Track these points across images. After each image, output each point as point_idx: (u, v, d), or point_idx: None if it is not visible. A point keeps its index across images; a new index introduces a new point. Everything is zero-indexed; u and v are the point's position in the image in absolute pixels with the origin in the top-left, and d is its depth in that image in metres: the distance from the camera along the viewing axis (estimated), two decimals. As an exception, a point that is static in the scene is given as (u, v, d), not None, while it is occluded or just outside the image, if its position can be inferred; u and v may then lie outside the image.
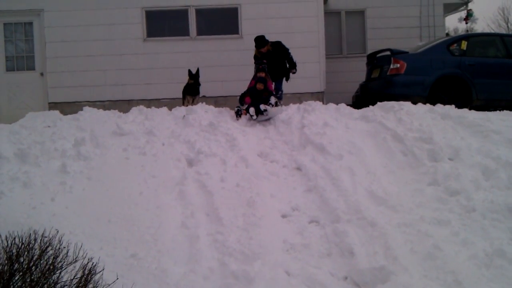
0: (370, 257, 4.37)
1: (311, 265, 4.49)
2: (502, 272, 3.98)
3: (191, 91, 9.68)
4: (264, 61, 8.79)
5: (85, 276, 3.02)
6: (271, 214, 5.36)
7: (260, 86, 8.37)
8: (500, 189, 5.21)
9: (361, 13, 13.36)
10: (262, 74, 8.55)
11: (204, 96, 10.00)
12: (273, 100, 8.21)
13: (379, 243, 4.54)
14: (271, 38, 9.28)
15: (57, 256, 3.04)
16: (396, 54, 9.67)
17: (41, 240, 3.18)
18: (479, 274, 4.01)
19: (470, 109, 8.26)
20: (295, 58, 9.30)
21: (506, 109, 8.29)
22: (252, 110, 7.95)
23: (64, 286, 3.08)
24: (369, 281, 4.07)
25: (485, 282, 3.89)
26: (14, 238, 3.18)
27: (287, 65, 9.34)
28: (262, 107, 7.91)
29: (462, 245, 4.40)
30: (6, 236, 3.22)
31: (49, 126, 7.68)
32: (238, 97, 8.59)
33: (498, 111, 8.10)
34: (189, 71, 9.61)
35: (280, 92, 9.40)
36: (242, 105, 8.31)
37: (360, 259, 4.38)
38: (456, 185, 5.40)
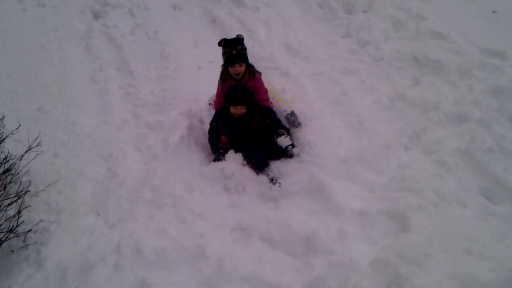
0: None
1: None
2: (402, 114, 4.27)
3: None
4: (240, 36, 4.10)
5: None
6: (186, 66, 5.24)
7: (239, 110, 3.79)
8: (408, 39, 5.37)
9: None
10: (240, 68, 3.98)
11: None
12: (284, 141, 3.81)
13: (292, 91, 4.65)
14: None
15: None
16: None
17: None
18: (381, 116, 4.28)
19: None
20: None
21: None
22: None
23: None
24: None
25: (385, 123, 4.18)
26: None
27: None
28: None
29: (368, 91, 4.62)
30: None
31: None
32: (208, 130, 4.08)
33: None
34: None
35: None
36: (216, 148, 3.97)
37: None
38: (367, 36, 5.50)
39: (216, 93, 4.22)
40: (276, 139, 3.81)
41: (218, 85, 4.16)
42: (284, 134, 3.83)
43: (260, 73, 4.14)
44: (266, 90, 4.16)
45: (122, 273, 2.76)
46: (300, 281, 2.75)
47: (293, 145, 3.81)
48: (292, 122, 4.05)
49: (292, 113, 4.08)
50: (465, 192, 3.25)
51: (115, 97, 4.67)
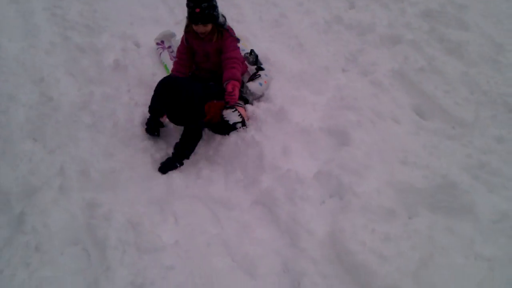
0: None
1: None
2: (339, 36, 4.36)
3: None
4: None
5: None
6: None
7: None
8: (343, -38, 5.36)
9: None
10: (205, 28, 3.29)
11: None
12: (231, 116, 3.25)
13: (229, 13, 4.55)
14: None
15: None
16: None
17: None
18: (318, 39, 4.34)
19: None
20: None
21: None
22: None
23: None
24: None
25: (323, 45, 4.25)
26: None
27: None
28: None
29: (305, 14, 4.64)
30: None
31: None
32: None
33: None
34: None
35: None
36: (153, 130, 3.29)
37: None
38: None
39: (180, 43, 3.55)
40: (223, 112, 3.26)
41: (183, 37, 3.50)
42: (233, 108, 3.26)
43: (234, 38, 3.37)
44: (235, 47, 3.37)
45: (69, 194, 2.69)
46: (250, 196, 2.86)
47: (243, 123, 3.24)
48: (252, 62, 3.75)
49: (252, 52, 3.76)
50: (399, 109, 3.45)
51: (40, 19, 4.34)
